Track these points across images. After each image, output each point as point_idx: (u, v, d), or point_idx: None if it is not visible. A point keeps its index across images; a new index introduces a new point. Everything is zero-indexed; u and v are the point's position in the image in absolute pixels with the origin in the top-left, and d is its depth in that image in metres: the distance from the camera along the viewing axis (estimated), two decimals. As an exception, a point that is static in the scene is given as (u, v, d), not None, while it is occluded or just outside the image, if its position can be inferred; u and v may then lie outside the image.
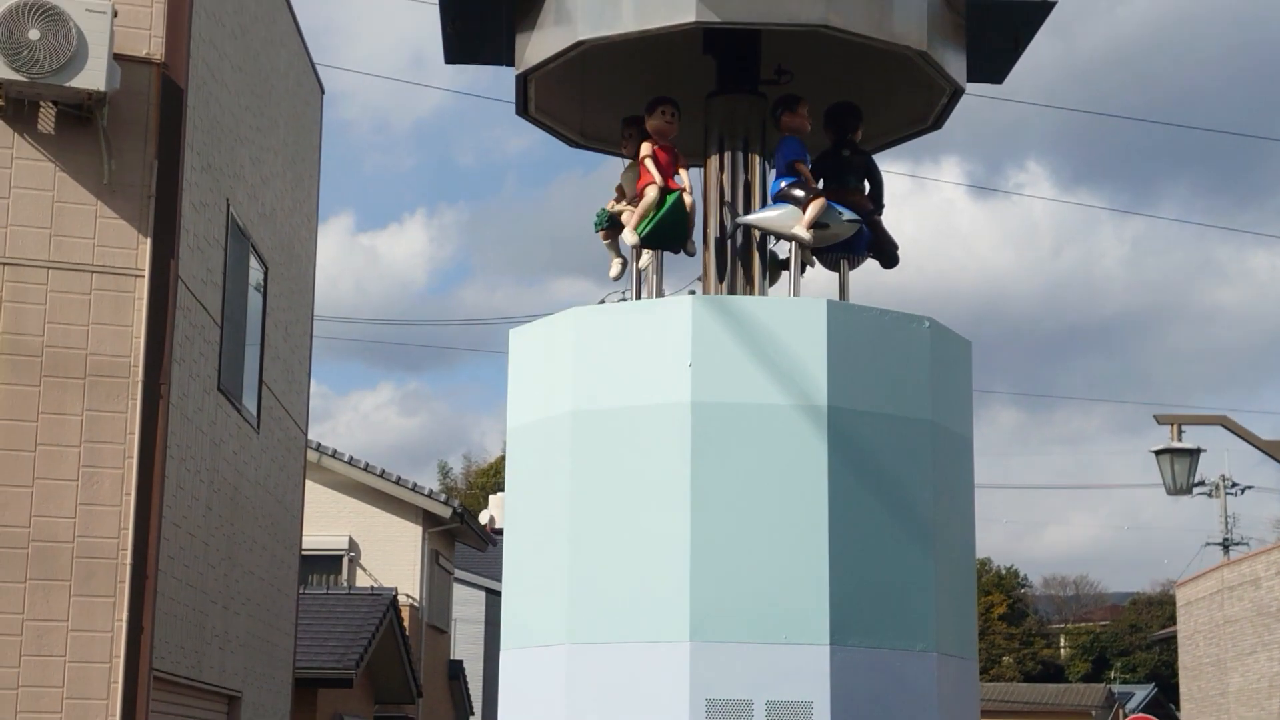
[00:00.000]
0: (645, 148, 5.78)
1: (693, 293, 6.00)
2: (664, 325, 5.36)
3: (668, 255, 5.88)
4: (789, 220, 5.70)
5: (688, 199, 5.77)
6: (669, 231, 5.73)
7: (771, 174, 6.04)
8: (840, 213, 5.78)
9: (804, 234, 5.67)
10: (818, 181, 5.93)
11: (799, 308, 5.41)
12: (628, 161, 6.06)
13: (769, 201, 5.85)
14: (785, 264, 6.00)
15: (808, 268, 5.94)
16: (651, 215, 5.69)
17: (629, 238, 5.69)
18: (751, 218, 5.82)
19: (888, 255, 6.05)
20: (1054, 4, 5.79)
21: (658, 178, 5.71)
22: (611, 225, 5.91)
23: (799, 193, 5.72)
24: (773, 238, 5.85)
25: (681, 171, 5.81)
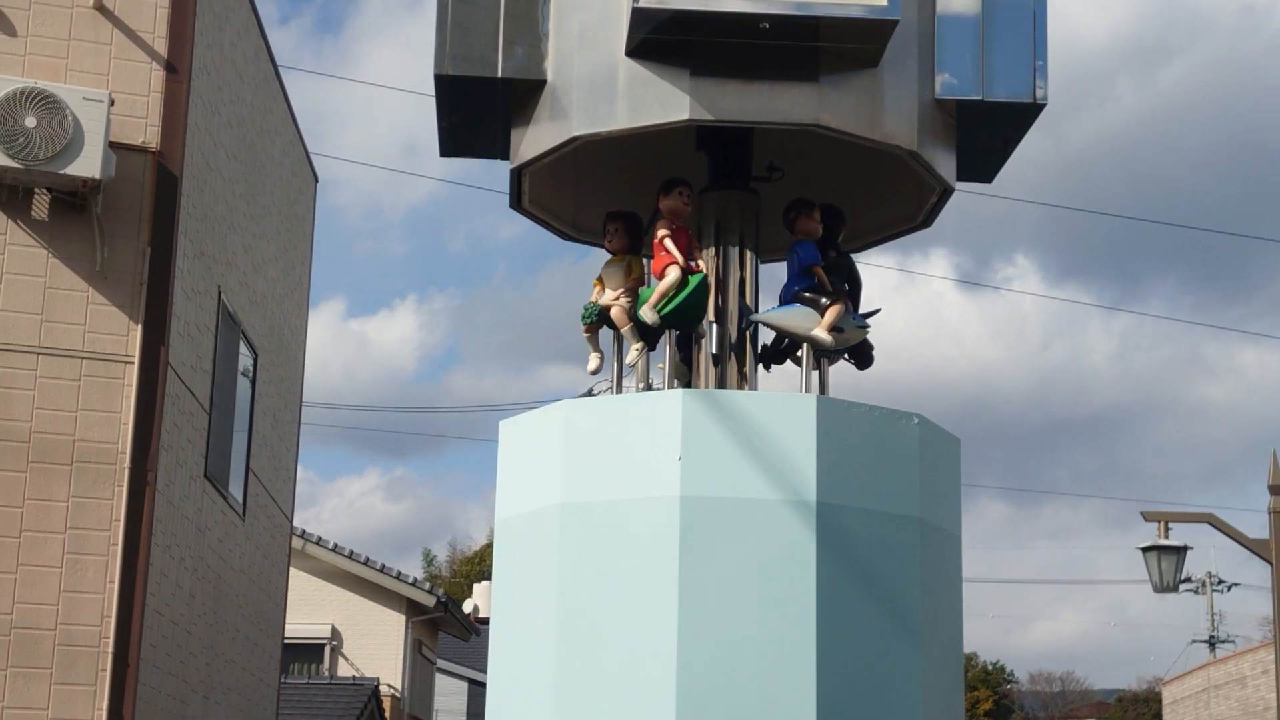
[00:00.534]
0: (662, 228, 5.81)
1: (687, 386, 6.02)
2: (654, 418, 5.38)
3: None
4: (808, 322, 5.79)
5: (710, 281, 5.81)
6: (690, 313, 5.76)
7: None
8: (854, 318, 5.88)
9: (825, 337, 5.76)
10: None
11: (789, 403, 5.43)
12: (609, 255, 6.07)
13: (780, 302, 5.91)
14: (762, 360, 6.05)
15: (771, 365, 6.02)
16: (673, 295, 5.70)
17: (648, 316, 5.69)
18: (770, 317, 5.88)
19: (864, 357, 6.11)
20: (1043, 105, 5.86)
21: (680, 258, 5.73)
22: (600, 319, 5.91)
23: (818, 296, 5.81)
24: (787, 339, 5.92)
25: (697, 254, 5.85)
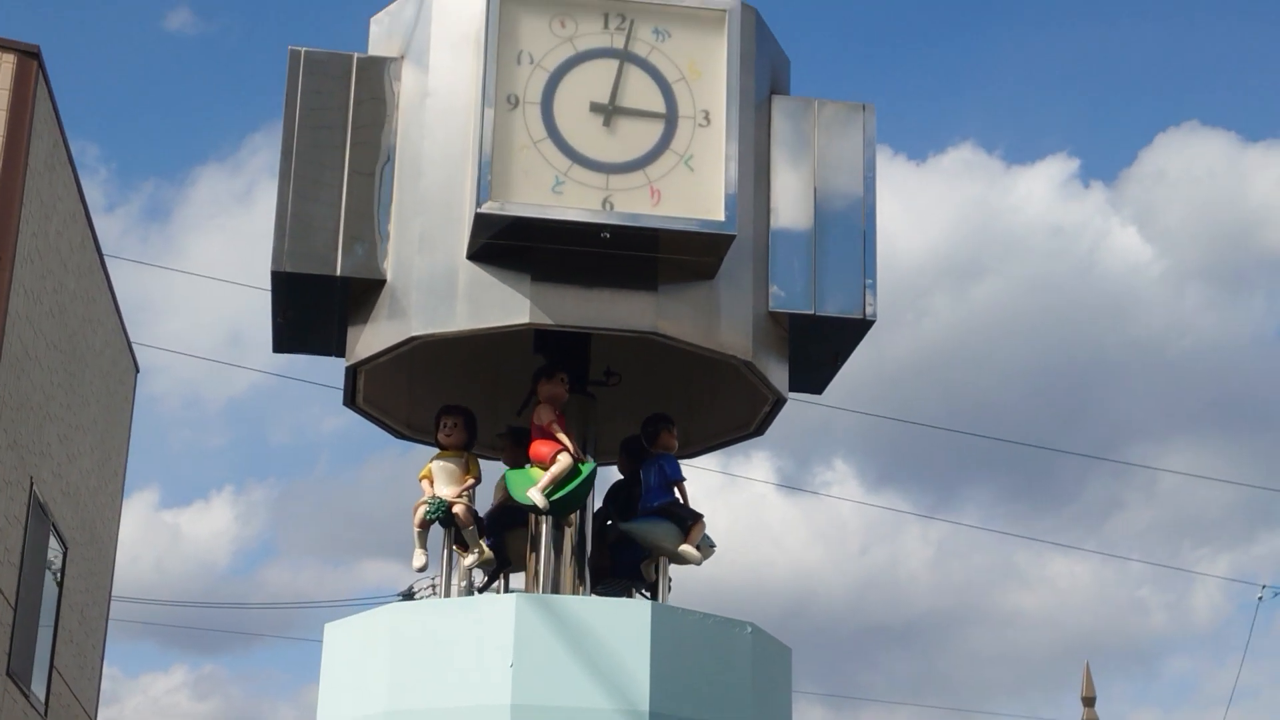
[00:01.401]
0: (547, 413, 5.76)
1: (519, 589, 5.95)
2: (486, 623, 5.29)
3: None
4: (676, 539, 5.82)
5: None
6: (576, 503, 5.71)
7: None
8: (709, 538, 5.93)
9: (694, 553, 5.81)
10: (615, 509, 6.13)
11: (624, 610, 5.40)
12: (437, 451, 5.98)
13: (640, 514, 5.93)
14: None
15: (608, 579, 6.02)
16: (567, 484, 5.63)
17: (539, 500, 5.58)
18: (637, 530, 5.89)
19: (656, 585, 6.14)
20: (872, 322, 6.01)
21: (571, 446, 5.68)
22: (447, 516, 5.78)
23: (681, 513, 5.86)
24: (648, 552, 5.93)
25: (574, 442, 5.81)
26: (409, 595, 32.38)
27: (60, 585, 13.50)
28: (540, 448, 5.71)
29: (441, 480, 5.82)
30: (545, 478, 5.62)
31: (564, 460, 5.64)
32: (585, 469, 5.69)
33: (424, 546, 5.79)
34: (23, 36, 11.75)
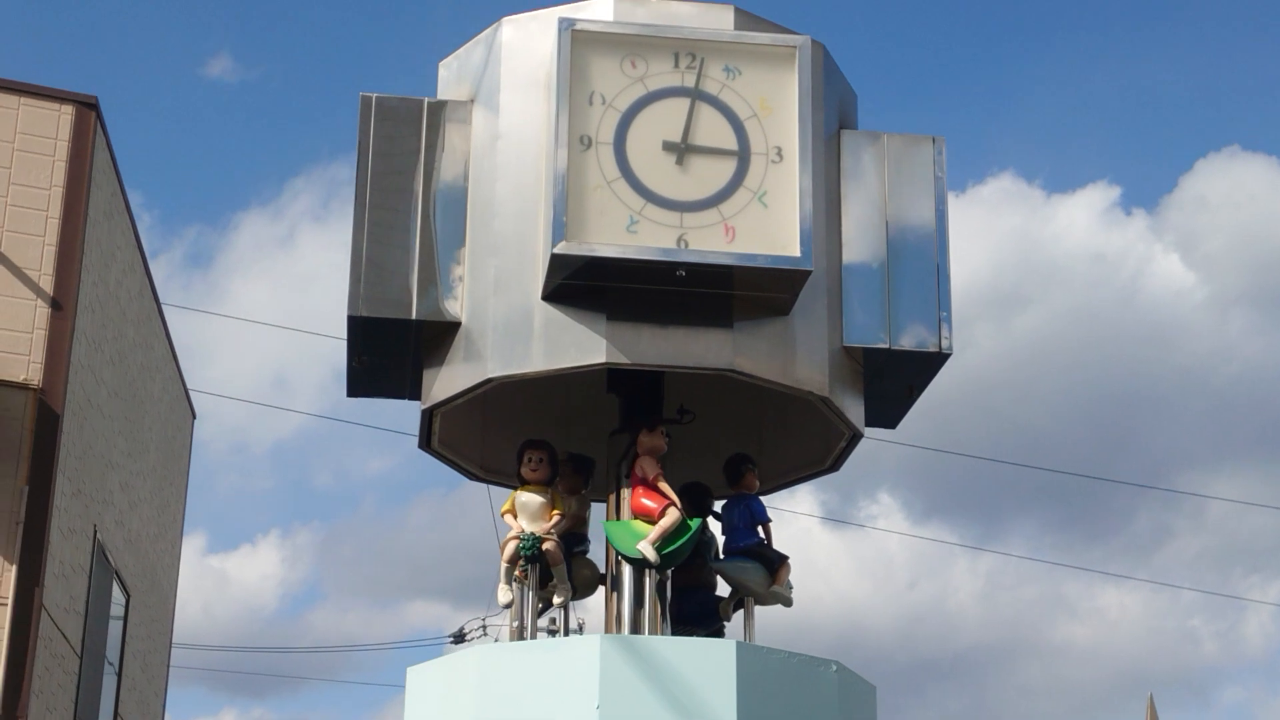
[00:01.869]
0: (653, 466, 5.73)
1: (588, 628, 5.93)
2: (571, 664, 5.27)
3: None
4: (764, 580, 5.85)
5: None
6: (683, 557, 5.70)
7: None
8: (788, 581, 5.96)
9: (784, 594, 5.83)
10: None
11: (709, 649, 5.37)
12: (519, 487, 5.93)
13: (726, 555, 5.93)
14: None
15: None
16: (676, 539, 5.61)
17: (651, 555, 5.55)
18: (727, 572, 5.90)
19: (719, 632, 6.13)
20: (949, 355, 5.98)
21: (678, 501, 5.66)
22: (541, 554, 5.73)
23: (768, 554, 5.88)
24: (737, 589, 5.94)
25: None
26: (459, 637, 32.31)
27: (123, 634, 13.55)
28: (645, 500, 5.69)
29: (525, 516, 5.77)
30: (655, 532, 5.59)
31: (673, 515, 5.63)
32: (694, 524, 5.68)
33: (510, 582, 5.75)
34: (63, 84, 11.87)
